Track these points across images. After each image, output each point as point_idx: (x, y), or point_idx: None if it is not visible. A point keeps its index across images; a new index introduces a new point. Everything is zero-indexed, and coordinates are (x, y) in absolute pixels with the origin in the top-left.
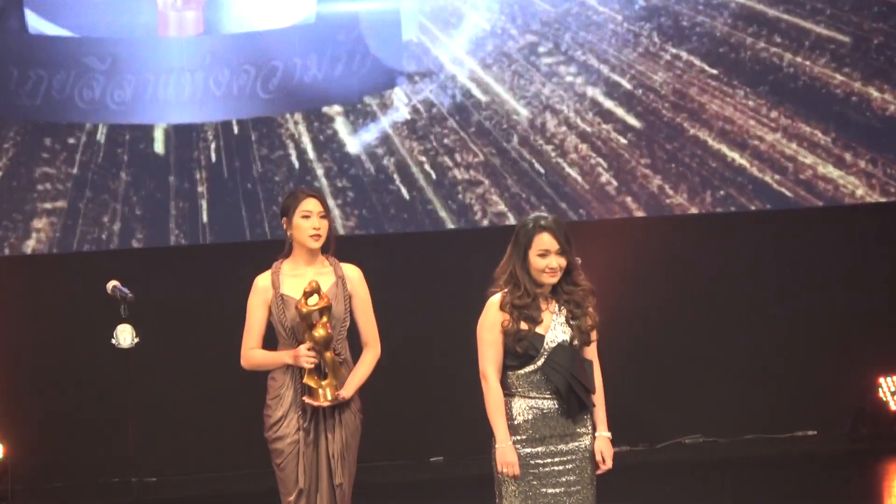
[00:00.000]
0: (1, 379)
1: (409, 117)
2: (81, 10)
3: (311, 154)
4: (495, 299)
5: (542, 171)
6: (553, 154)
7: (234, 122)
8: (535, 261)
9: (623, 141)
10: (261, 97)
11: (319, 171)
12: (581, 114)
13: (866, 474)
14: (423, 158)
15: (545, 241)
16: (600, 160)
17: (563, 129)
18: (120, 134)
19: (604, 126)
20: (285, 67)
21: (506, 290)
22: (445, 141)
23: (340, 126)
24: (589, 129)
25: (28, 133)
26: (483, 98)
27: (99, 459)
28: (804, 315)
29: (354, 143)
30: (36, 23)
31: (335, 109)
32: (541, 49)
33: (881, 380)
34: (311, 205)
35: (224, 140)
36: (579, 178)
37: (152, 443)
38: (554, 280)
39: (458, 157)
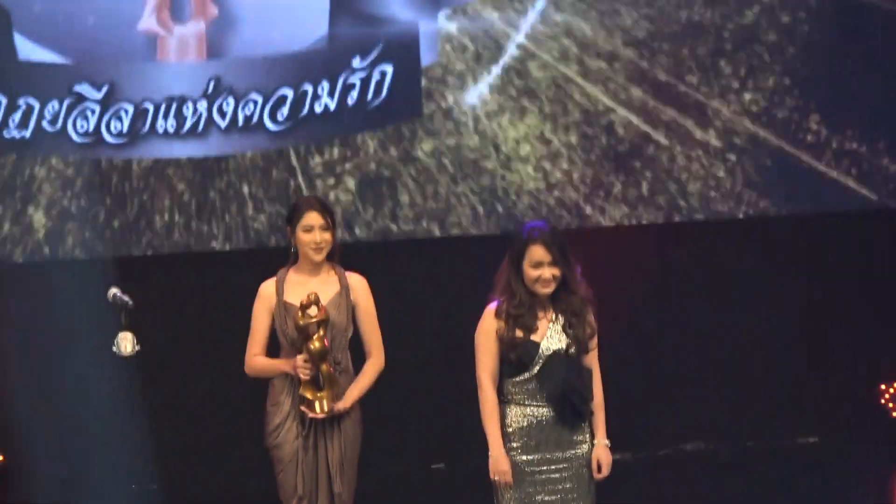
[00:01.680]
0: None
1: (429, 150)
2: (75, 34)
3: (320, 189)
4: (492, 307)
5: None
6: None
7: (239, 156)
8: (528, 272)
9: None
10: (269, 128)
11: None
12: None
13: (868, 481)
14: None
15: (538, 252)
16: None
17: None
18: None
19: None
20: (295, 96)
21: (502, 298)
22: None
23: (353, 159)
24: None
25: (18, 163)
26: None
27: (99, 467)
28: (805, 321)
29: (366, 177)
30: (26, 48)
31: (348, 140)
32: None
33: (882, 387)
34: (312, 218)
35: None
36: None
37: (153, 450)
38: (548, 291)
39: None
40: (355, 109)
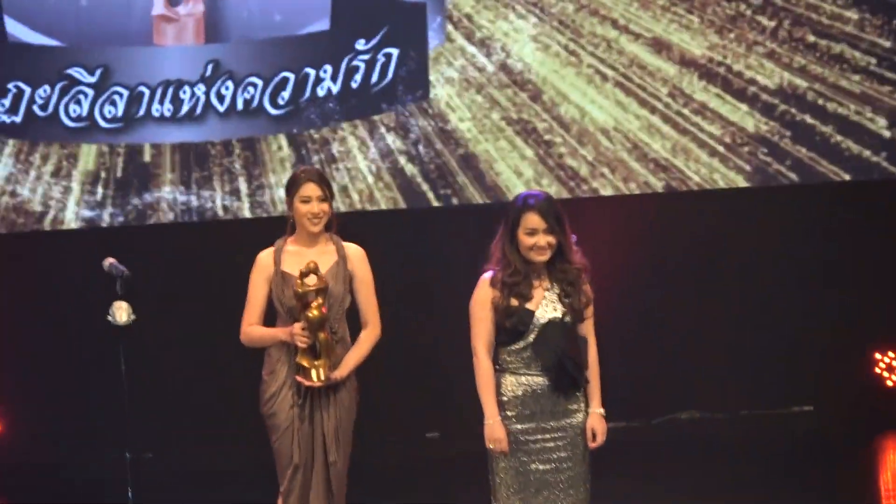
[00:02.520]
0: None
1: (433, 133)
2: (67, 16)
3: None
4: (487, 276)
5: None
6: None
7: (238, 141)
8: (523, 239)
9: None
10: (269, 112)
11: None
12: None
13: (862, 449)
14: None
15: (533, 220)
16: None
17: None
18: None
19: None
20: (297, 79)
21: (497, 267)
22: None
23: (357, 144)
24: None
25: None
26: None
27: (94, 435)
28: (800, 290)
29: (370, 162)
30: (16, 30)
31: (352, 126)
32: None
33: (877, 355)
34: (309, 189)
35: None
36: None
37: (148, 418)
38: (543, 258)
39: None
40: (359, 93)
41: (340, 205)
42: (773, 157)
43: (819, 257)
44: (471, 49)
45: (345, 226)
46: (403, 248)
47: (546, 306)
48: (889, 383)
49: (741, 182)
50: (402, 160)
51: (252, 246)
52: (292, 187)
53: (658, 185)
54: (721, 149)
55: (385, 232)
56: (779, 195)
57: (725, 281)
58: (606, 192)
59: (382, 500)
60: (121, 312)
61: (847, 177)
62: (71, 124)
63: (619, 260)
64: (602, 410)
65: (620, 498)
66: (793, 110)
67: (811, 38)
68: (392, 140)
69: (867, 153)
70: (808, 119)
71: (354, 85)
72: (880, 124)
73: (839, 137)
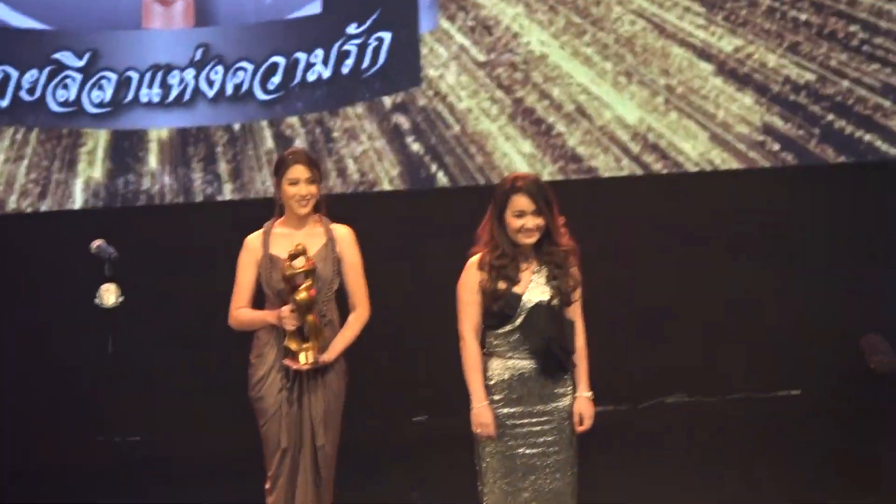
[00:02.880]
0: None
1: (425, 117)
2: None
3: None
4: (474, 259)
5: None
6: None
7: (227, 126)
8: (511, 222)
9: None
10: (259, 98)
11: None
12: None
13: (850, 433)
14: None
15: (521, 202)
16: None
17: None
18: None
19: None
20: (287, 64)
21: (485, 249)
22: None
23: (348, 128)
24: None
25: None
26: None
27: (82, 419)
28: (789, 274)
29: (360, 147)
30: (2, 13)
31: (343, 111)
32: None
33: (866, 340)
34: (297, 172)
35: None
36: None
37: (136, 402)
38: (531, 241)
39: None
40: (350, 78)
41: (333, 187)
42: (765, 137)
43: (807, 241)
44: (464, 31)
45: (334, 208)
46: (393, 230)
47: (533, 289)
48: (880, 369)
49: (731, 164)
50: (394, 144)
51: (240, 228)
52: (280, 169)
53: (652, 166)
54: (713, 130)
55: (374, 214)
56: (765, 178)
57: (713, 265)
58: (604, 173)
59: (370, 484)
60: (108, 295)
61: (843, 159)
62: (58, 109)
63: (608, 243)
64: (590, 394)
65: (608, 482)
66: (787, 89)
67: (803, 17)
68: (384, 124)
69: (859, 133)
70: (803, 99)
71: (345, 70)
72: (876, 104)
73: (833, 117)
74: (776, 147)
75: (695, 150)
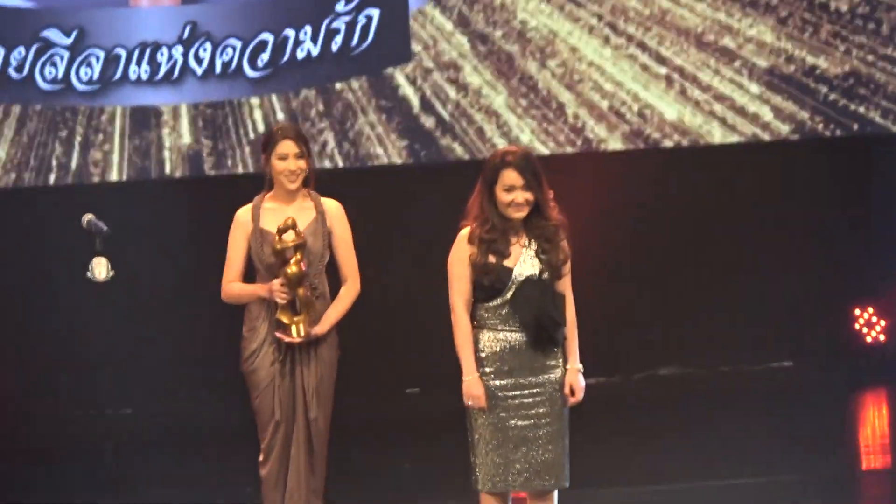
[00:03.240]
0: None
1: (414, 100)
2: None
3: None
4: (464, 233)
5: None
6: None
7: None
8: (501, 196)
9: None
10: (248, 75)
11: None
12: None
13: (841, 405)
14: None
15: (510, 176)
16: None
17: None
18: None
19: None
20: (276, 41)
21: (475, 223)
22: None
23: (339, 105)
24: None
25: None
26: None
27: (73, 392)
28: (780, 246)
29: (350, 124)
30: None
31: (333, 87)
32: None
33: (856, 311)
34: (286, 147)
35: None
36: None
37: (127, 375)
38: (520, 215)
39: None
40: (339, 55)
41: (322, 163)
42: (757, 110)
43: (800, 214)
44: (451, 8)
45: (324, 182)
46: (382, 204)
47: (524, 263)
48: (868, 339)
49: (725, 137)
50: (384, 120)
51: (230, 203)
52: (269, 144)
53: (648, 140)
54: (710, 104)
55: (365, 188)
56: (760, 151)
57: (706, 238)
58: (598, 146)
59: (363, 456)
60: (100, 269)
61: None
62: (46, 87)
63: (599, 216)
64: (580, 366)
65: (599, 453)
66: (780, 61)
67: None
68: (374, 100)
69: (854, 106)
70: (798, 74)
71: (335, 47)
72: (869, 76)
73: (826, 89)
74: (768, 119)
75: (688, 122)
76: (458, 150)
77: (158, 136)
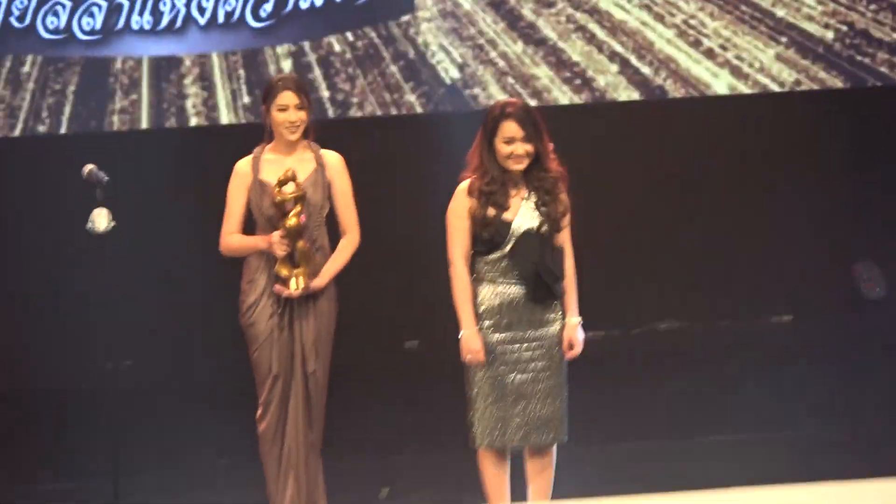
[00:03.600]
0: None
1: (418, 51)
2: None
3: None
4: (464, 185)
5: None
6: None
7: (217, 55)
8: (501, 147)
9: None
10: (251, 25)
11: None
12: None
13: (841, 360)
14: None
15: (510, 128)
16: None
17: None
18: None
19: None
20: None
21: (474, 175)
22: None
23: (343, 56)
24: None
25: None
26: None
27: (72, 343)
28: (780, 200)
29: (354, 77)
30: None
31: (338, 40)
32: None
33: (857, 266)
34: (286, 98)
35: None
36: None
37: (127, 327)
38: (520, 167)
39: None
40: (343, 6)
41: (323, 115)
42: (762, 62)
43: (801, 168)
44: None
45: (324, 132)
46: (384, 155)
47: (523, 216)
48: (869, 294)
49: (727, 89)
50: (386, 71)
51: (231, 154)
52: (269, 95)
53: (653, 92)
54: (708, 53)
55: (366, 139)
56: (761, 103)
57: (706, 191)
58: (599, 97)
59: (361, 410)
60: (101, 220)
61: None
62: (48, 36)
63: (598, 169)
64: (579, 320)
65: (597, 408)
66: (782, 12)
67: None
68: (376, 52)
69: (860, 58)
70: (806, 24)
71: None
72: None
73: (831, 38)
74: (774, 70)
75: (693, 74)
76: (465, 101)
77: (181, 86)
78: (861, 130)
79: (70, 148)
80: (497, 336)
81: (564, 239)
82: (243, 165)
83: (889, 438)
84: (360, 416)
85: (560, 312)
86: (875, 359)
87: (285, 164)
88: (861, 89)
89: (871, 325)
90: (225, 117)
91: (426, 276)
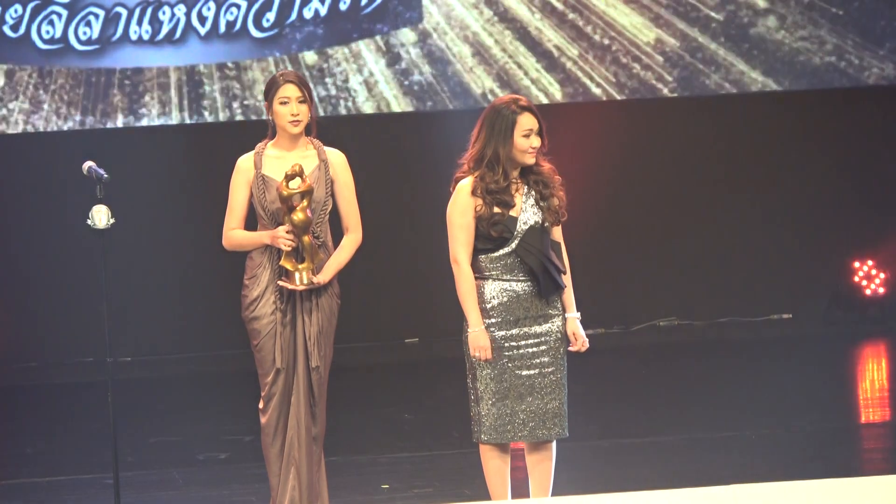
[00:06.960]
0: None
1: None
2: None
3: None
4: (465, 184)
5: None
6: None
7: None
8: (520, 142)
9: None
10: (253, 35)
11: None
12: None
13: (840, 357)
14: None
15: (528, 121)
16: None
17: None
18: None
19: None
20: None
21: (477, 174)
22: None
23: (344, 70)
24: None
25: None
26: None
27: (74, 339)
28: (780, 198)
29: (360, 90)
30: None
31: (340, 49)
32: None
33: (856, 263)
34: (289, 91)
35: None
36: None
37: (128, 323)
38: (533, 161)
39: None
40: (348, 15)
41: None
42: (754, 62)
43: (800, 166)
44: None
45: (327, 131)
46: (386, 153)
47: (526, 212)
48: (867, 292)
49: (728, 88)
50: (391, 79)
51: (233, 150)
52: (271, 90)
53: (652, 91)
54: (710, 53)
55: (368, 137)
56: (762, 103)
57: (707, 189)
58: (602, 96)
59: (362, 405)
60: (100, 216)
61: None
62: (44, 46)
63: (599, 167)
64: (578, 314)
65: (597, 404)
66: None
67: None
68: (381, 60)
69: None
70: (809, 23)
71: (343, 6)
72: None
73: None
74: (767, 68)
75: (692, 75)
76: (463, 102)
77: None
78: (859, 129)
79: (70, 145)
80: (504, 332)
81: (558, 234)
82: (245, 161)
83: (889, 437)
84: (362, 412)
85: (560, 307)
86: (874, 358)
87: (288, 160)
88: (861, 89)
89: (870, 322)
90: (224, 117)
91: (427, 273)
